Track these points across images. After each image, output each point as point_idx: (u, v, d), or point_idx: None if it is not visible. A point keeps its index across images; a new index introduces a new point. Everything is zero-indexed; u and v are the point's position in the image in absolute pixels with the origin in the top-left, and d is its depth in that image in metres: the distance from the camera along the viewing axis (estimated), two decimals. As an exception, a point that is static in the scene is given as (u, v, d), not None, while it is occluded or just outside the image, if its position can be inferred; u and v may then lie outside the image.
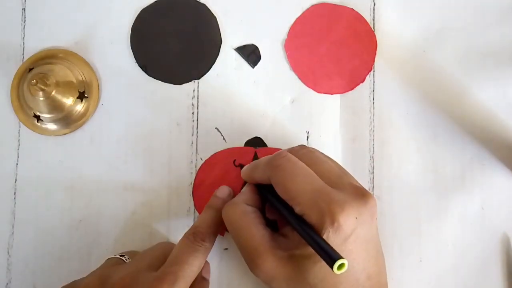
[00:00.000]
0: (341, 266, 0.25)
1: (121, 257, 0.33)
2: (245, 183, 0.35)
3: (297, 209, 0.29)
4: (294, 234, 0.30)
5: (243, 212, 0.31)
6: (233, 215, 0.31)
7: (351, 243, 0.28)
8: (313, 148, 0.33)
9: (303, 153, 0.32)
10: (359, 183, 0.31)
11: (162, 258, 0.31)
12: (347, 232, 0.28)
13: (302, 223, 0.28)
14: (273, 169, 0.30)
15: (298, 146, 0.33)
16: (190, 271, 0.30)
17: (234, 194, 0.36)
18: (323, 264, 0.27)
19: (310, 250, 0.28)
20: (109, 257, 0.33)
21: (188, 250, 0.30)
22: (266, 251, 0.29)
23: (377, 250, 0.31)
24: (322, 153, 0.33)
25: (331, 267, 0.25)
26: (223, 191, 0.35)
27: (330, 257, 0.25)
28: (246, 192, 0.33)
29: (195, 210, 0.37)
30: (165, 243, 0.35)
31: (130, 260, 0.33)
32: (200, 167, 0.37)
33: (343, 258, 0.25)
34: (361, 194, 0.29)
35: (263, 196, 0.33)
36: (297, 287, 0.29)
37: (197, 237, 0.31)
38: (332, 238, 0.27)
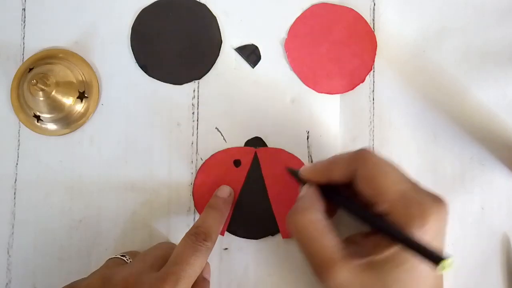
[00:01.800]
0: (444, 265, 0.24)
1: (122, 257, 0.33)
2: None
3: (384, 207, 0.28)
4: (367, 240, 0.29)
5: (313, 220, 0.29)
6: (302, 223, 0.29)
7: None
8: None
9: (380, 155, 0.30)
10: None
11: (164, 258, 0.31)
12: (431, 237, 0.27)
13: (390, 224, 0.27)
14: (363, 163, 0.29)
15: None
16: (192, 271, 0.29)
17: (235, 194, 0.36)
18: (404, 268, 0.27)
19: (389, 253, 0.27)
20: (110, 257, 0.33)
21: (190, 250, 0.30)
22: (340, 261, 0.28)
23: None
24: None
25: (436, 265, 0.24)
26: (223, 191, 0.35)
27: (434, 256, 0.24)
28: (309, 196, 0.31)
29: (195, 210, 0.37)
30: (166, 243, 0.35)
31: (131, 260, 0.33)
32: (200, 167, 0.37)
33: (450, 256, 0.24)
34: (440, 200, 0.29)
35: (329, 197, 0.31)
36: None
37: (198, 237, 0.31)
38: None
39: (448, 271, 0.24)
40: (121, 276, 0.30)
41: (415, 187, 0.29)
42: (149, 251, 0.33)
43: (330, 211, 0.32)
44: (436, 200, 0.28)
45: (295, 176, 0.34)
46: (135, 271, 0.30)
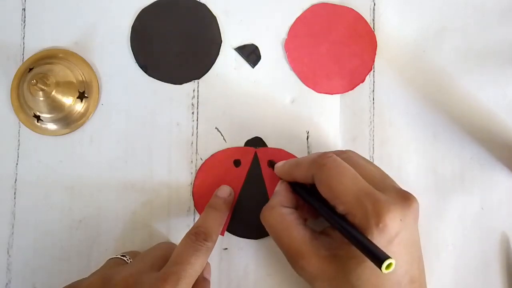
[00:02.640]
0: (388, 266, 0.25)
1: (122, 258, 0.33)
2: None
3: (341, 208, 0.29)
4: (336, 233, 0.30)
5: (281, 215, 0.31)
6: (272, 218, 0.32)
7: (395, 245, 0.28)
8: (355, 152, 0.33)
9: (347, 156, 0.32)
10: (400, 187, 0.31)
11: (164, 258, 0.31)
12: (391, 234, 0.28)
13: (345, 223, 0.28)
14: (319, 168, 0.30)
15: (340, 150, 0.33)
16: (193, 271, 0.30)
17: (235, 194, 0.36)
18: (367, 264, 0.27)
19: (354, 250, 0.27)
20: (110, 257, 0.33)
21: (190, 250, 0.30)
22: (308, 252, 0.30)
23: (419, 253, 0.31)
24: (364, 157, 0.33)
25: (379, 267, 0.25)
26: (223, 190, 0.35)
27: (378, 257, 0.25)
28: (281, 193, 0.33)
29: (195, 210, 0.37)
30: (166, 243, 0.35)
31: (131, 260, 0.33)
32: (200, 167, 0.37)
33: (390, 257, 0.25)
34: (405, 197, 0.29)
35: (298, 195, 0.33)
36: (340, 287, 0.29)
37: (199, 237, 0.31)
38: (376, 239, 0.27)
39: (389, 271, 0.25)
40: (122, 276, 0.30)
41: (370, 189, 0.29)
42: (149, 251, 0.33)
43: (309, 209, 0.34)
44: (400, 198, 0.29)
45: (272, 168, 0.36)
46: (135, 271, 0.30)
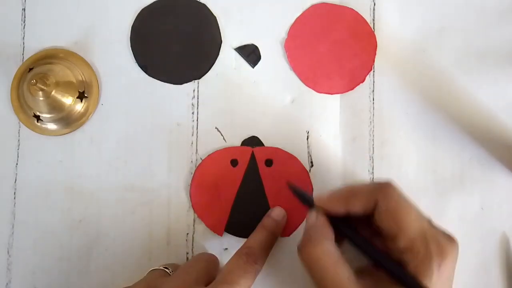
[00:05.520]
0: None
1: (165, 269, 0.32)
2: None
3: (403, 243, 0.28)
4: (379, 273, 0.29)
5: (325, 252, 0.28)
6: (314, 255, 0.28)
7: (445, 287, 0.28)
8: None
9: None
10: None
11: (207, 271, 0.31)
12: (446, 277, 0.27)
13: (399, 267, 0.27)
14: (386, 196, 0.28)
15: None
16: None
17: (232, 193, 0.36)
18: None
19: None
20: (152, 268, 0.33)
21: (240, 271, 0.30)
22: None
23: None
24: None
25: None
26: (278, 213, 0.35)
27: None
28: (321, 226, 0.30)
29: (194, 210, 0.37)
30: (206, 254, 0.34)
31: (173, 272, 0.32)
32: (197, 167, 0.37)
33: None
34: (454, 239, 0.29)
35: (338, 230, 0.30)
36: None
37: (249, 258, 0.31)
38: (435, 281, 0.27)
39: None
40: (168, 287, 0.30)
41: (432, 226, 0.29)
42: (192, 263, 0.32)
43: (338, 241, 0.31)
44: (451, 239, 0.29)
45: (299, 196, 0.32)
46: (181, 283, 0.30)
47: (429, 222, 0.29)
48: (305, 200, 0.32)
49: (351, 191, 0.30)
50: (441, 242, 0.28)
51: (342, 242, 0.31)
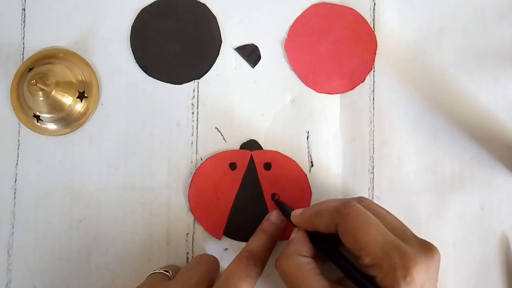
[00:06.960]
0: None
1: (165, 273, 0.33)
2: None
3: (366, 260, 0.28)
4: (354, 285, 0.29)
5: (299, 264, 0.30)
6: (289, 267, 0.30)
7: None
8: (371, 200, 0.32)
9: (366, 204, 0.31)
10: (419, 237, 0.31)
11: (208, 274, 0.31)
12: (420, 285, 0.27)
13: (366, 279, 0.28)
14: (343, 218, 0.29)
15: (357, 197, 0.32)
16: None
17: (230, 197, 0.36)
18: None
19: None
20: (152, 272, 0.33)
21: (241, 275, 0.30)
22: None
23: None
24: (380, 206, 0.32)
25: None
26: (277, 216, 0.35)
27: None
28: (298, 241, 0.32)
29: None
30: (207, 256, 0.34)
31: (173, 275, 0.32)
32: (196, 171, 0.37)
33: None
34: (428, 248, 0.29)
35: (316, 244, 0.32)
36: None
37: (250, 262, 0.31)
38: None
39: None
40: None
41: (396, 240, 0.29)
42: (193, 265, 0.32)
43: (324, 257, 0.32)
44: (423, 249, 0.29)
45: (282, 211, 0.35)
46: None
47: (398, 236, 0.29)
48: (287, 215, 0.34)
49: (317, 212, 0.32)
50: (406, 254, 0.28)
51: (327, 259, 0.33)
